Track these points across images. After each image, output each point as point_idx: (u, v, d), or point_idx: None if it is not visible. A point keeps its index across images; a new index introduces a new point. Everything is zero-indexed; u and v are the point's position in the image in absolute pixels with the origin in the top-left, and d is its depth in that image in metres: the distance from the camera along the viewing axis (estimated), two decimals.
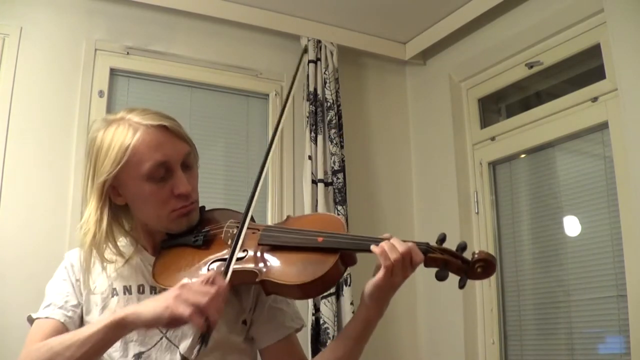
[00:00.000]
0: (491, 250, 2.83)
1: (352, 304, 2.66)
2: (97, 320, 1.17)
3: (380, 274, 1.17)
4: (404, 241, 1.19)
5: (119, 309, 1.26)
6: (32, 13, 2.54)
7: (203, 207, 1.40)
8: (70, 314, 1.27)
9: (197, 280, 1.11)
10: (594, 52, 2.43)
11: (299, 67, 1.71)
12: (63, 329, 1.24)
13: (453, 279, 1.21)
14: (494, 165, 2.93)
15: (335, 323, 2.62)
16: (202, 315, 1.06)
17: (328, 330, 2.60)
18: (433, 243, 1.21)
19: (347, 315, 2.64)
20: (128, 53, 2.69)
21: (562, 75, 2.70)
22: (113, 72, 2.66)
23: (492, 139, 2.90)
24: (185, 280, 1.11)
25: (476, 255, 1.19)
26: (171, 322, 1.08)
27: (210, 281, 1.10)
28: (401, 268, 1.16)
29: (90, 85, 2.57)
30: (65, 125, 2.50)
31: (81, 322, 1.29)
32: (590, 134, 2.47)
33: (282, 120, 1.42)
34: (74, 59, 2.58)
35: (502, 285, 2.78)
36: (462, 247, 1.20)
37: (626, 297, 2.20)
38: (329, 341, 2.58)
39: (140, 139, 1.24)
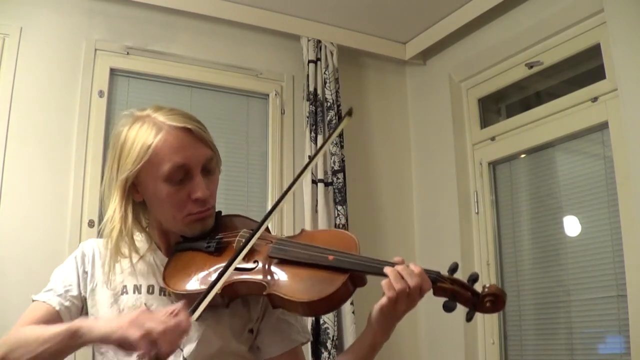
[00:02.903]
0: (491, 250, 2.83)
1: (352, 304, 2.66)
2: (63, 324, 1.15)
3: (384, 301, 1.16)
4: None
5: (127, 308, 1.27)
6: (32, 13, 2.53)
7: (220, 212, 1.39)
8: (67, 303, 1.27)
9: (162, 310, 1.09)
10: (594, 52, 2.43)
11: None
12: (56, 316, 1.25)
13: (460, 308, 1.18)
14: (494, 165, 2.93)
15: (335, 323, 2.62)
16: (150, 342, 1.02)
17: (328, 331, 2.60)
18: (444, 272, 1.18)
19: (347, 315, 2.64)
20: (128, 53, 2.69)
21: (562, 75, 2.70)
22: (113, 72, 2.66)
23: (492, 139, 2.90)
24: (150, 310, 1.11)
25: (486, 289, 1.15)
26: (120, 343, 1.05)
27: (174, 314, 1.07)
28: (407, 297, 1.14)
29: (90, 85, 2.57)
30: (65, 125, 2.50)
31: (82, 314, 1.30)
32: (590, 134, 2.47)
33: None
34: (74, 59, 2.58)
35: (502, 286, 2.77)
36: (474, 278, 1.17)
37: (626, 297, 2.20)
38: (328, 341, 2.58)
39: (162, 139, 1.24)
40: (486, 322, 2.78)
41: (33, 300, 1.29)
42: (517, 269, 2.73)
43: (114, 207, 1.27)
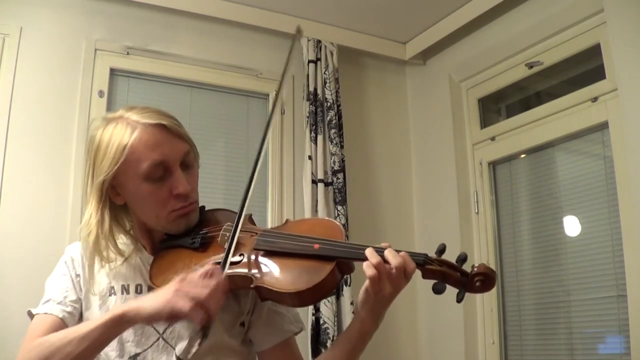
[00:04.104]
0: (491, 250, 2.83)
1: (352, 304, 2.66)
2: (97, 317, 1.16)
3: (367, 282, 1.15)
4: (398, 251, 1.14)
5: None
6: (32, 13, 2.53)
7: (203, 207, 1.38)
8: (69, 309, 1.26)
9: (195, 274, 1.10)
10: (594, 52, 2.43)
11: (292, 50, 1.51)
12: (62, 325, 1.23)
13: (451, 290, 1.16)
14: (494, 165, 2.93)
15: (335, 323, 2.62)
16: (201, 309, 1.06)
17: (328, 331, 2.60)
18: (432, 254, 1.17)
19: (347, 315, 2.64)
20: (128, 53, 2.69)
21: (562, 75, 2.70)
22: (113, 72, 2.66)
23: (492, 139, 2.90)
24: (183, 275, 1.11)
25: (475, 269, 1.13)
26: (171, 317, 1.08)
27: (209, 275, 1.10)
28: (390, 278, 1.13)
29: (90, 85, 2.57)
30: (65, 125, 2.50)
31: (81, 318, 1.29)
32: (590, 134, 2.47)
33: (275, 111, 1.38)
34: (74, 59, 2.58)
35: (502, 285, 2.78)
36: (462, 258, 1.15)
37: (626, 297, 2.20)
38: (328, 341, 2.58)
39: (137, 138, 1.23)
40: (486, 322, 2.78)
41: (33, 315, 1.27)
42: (517, 269, 2.73)
43: (91, 211, 1.26)
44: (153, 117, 1.26)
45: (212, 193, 2.70)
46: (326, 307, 2.63)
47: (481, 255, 2.84)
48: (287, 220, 1.36)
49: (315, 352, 2.58)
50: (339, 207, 2.79)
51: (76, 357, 1.09)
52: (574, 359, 2.43)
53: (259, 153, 1.28)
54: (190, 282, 1.08)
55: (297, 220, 1.39)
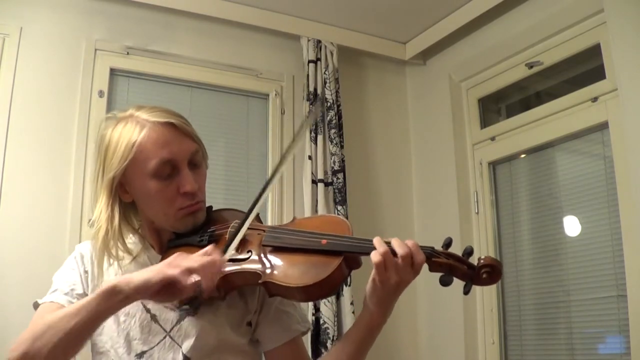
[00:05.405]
0: (491, 250, 2.84)
1: (352, 304, 2.66)
2: (92, 293, 1.16)
3: (373, 271, 1.16)
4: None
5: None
6: (32, 13, 2.54)
7: (210, 206, 1.40)
8: (74, 301, 1.26)
9: (194, 252, 1.15)
10: (594, 52, 2.43)
11: (308, 116, 1.61)
12: None
13: (457, 283, 1.18)
14: (494, 165, 2.93)
15: (335, 323, 2.62)
16: (190, 275, 1.08)
17: (328, 331, 2.60)
18: (438, 247, 1.18)
19: (347, 316, 2.64)
20: (128, 53, 2.69)
21: (562, 75, 2.70)
22: (113, 72, 2.66)
23: (492, 139, 2.90)
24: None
25: (482, 261, 1.16)
26: (162, 285, 1.08)
27: (207, 253, 1.14)
28: (395, 266, 1.13)
29: (90, 85, 2.57)
30: (65, 125, 2.50)
31: None
32: (590, 134, 2.47)
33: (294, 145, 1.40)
34: (74, 59, 2.58)
35: (502, 285, 2.78)
36: (469, 252, 1.17)
37: (626, 297, 2.20)
38: (328, 341, 2.58)
39: (146, 136, 1.25)
40: (486, 322, 2.78)
41: (38, 305, 1.28)
42: (517, 269, 2.73)
43: (100, 208, 1.28)
44: (162, 116, 1.28)
45: (212, 193, 2.65)
46: (326, 307, 2.63)
47: (481, 255, 2.84)
48: (294, 218, 1.38)
49: (315, 352, 2.58)
50: (339, 207, 2.79)
51: (69, 332, 1.08)
52: (574, 359, 2.43)
53: (282, 158, 1.33)
54: (185, 256, 1.12)
55: (304, 218, 1.40)
